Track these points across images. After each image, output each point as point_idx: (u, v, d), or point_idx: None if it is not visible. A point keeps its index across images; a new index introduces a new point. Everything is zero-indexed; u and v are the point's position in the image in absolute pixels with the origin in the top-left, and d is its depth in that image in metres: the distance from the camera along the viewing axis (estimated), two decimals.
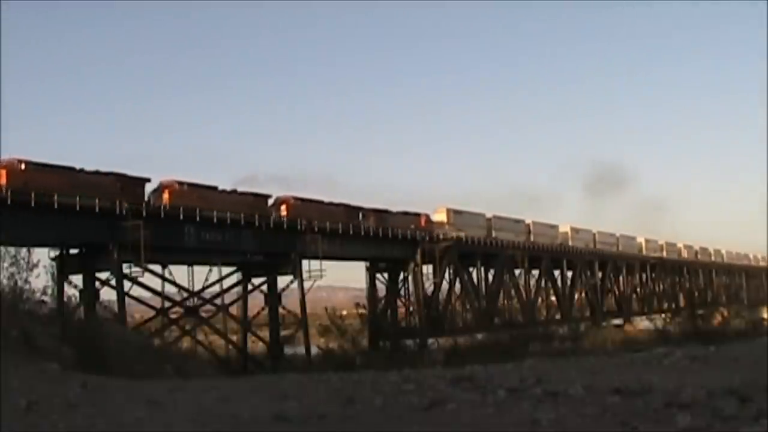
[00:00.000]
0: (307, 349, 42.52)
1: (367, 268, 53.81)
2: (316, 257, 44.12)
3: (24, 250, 19.75)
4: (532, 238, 65.36)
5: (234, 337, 43.72)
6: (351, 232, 47.17)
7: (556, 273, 69.19)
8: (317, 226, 44.26)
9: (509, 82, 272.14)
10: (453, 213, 57.50)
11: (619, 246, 79.51)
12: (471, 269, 58.50)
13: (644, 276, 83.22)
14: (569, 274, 70.15)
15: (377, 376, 10.00)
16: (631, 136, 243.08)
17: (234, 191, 42.82)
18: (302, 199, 45.89)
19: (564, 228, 71.49)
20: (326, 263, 45.44)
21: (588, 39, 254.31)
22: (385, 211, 51.96)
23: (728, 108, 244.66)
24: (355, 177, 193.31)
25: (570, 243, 70.03)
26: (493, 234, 60.50)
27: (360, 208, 49.96)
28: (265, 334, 44.69)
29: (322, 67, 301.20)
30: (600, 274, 73.65)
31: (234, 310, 44.39)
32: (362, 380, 9.62)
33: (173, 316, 41.16)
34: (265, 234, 41.98)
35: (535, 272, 65.98)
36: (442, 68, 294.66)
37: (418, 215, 54.80)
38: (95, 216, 34.75)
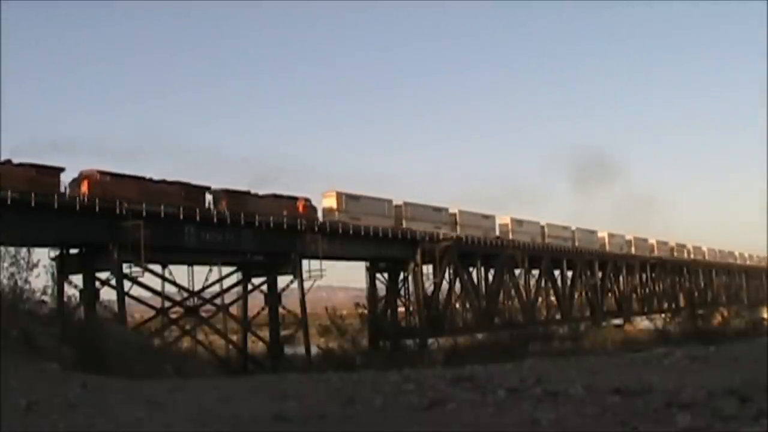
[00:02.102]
0: (307, 349, 42.52)
1: (367, 268, 53.77)
2: (316, 257, 44.09)
3: (24, 250, 19.77)
4: (459, 230, 56.87)
5: (234, 337, 43.70)
6: (351, 231, 47.14)
7: (556, 273, 69.17)
8: (132, 208, 36.02)
9: (503, 79, 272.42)
10: (346, 198, 48.54)
11: (576, 240, 71.44)
12: (471, 269, 58.45)
13: (644, 276, 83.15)
14: (569, 274, 70.11)
15: (377, 376, 10.01)
16: (629, 135, 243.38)
17: (8, 162, 33.83)
18: (114, 175, 36.85)
19: (503, 219, 63.23)
20: (326, 263, 45.47)
21: (583, 36, 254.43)
22: (246, 193, 42.74)
23: (727, 107, 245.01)
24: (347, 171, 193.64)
25: (510, 236, 61.84)
26: (404, 224, 51.97)
27: (206, 188, 40.99)
28: (265, 334, 44.68)
29: (303, 63, 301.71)
30: (600, 274, 73.62)
31: (234, 310, 44.38)
32: (362, 380, 9.62)
33: (173, 316, 41.15)
34: (265, 234, 41.98)
35: (535, 272, 65.95)
36: (432, 66, 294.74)
37: (294, 199, 45.26)
38: (95, 216, 34.74)
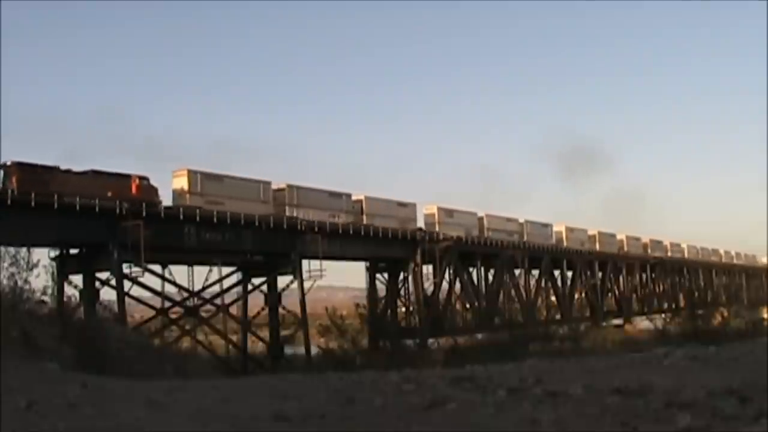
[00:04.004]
0: (307, 349, 42.55)
1: (367, 268, 53.79)
2: (316, 257, 44.11)
3: (24, 250, 19.80)
4: (365, 220, 48.98)
5: (234, 337, 43.75)
6: (351, 231, 47.13)
7: (556, 273, 69.18)
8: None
9: (489, 68, 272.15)
10: (202, 178, 40.36)
11: (525, 235, 64.24)
12: (471, 269, 58.48)
13: (644, 276, 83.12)
14: (569, 274, 70.11)
15: (377, 376, 10.00)
16: (623, 132, 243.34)
17: None
18: None
19: (429, 209, 55.66)
20: (326, 263, 45.46)
21: (580, 27, 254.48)
22: (51, 168, 34.38)
23: (727, 105, 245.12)
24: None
25: (437, 228, 54.29)
26: (287, 211, 44.11)
27: None
28: (265, 334, 44.71)
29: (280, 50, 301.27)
30: (600, 274, 73.64)
31: (234, 310, 44.42)
32: (362, 380, 9.61)
33: (173, 316, 41.18)
34: (265, 234, 42.00)
35: (535, 272, 65.95)
36: (412, 52, 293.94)
37: (126, 178, 37.23)
38: (95, 216, 34.74)
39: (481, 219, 60.16)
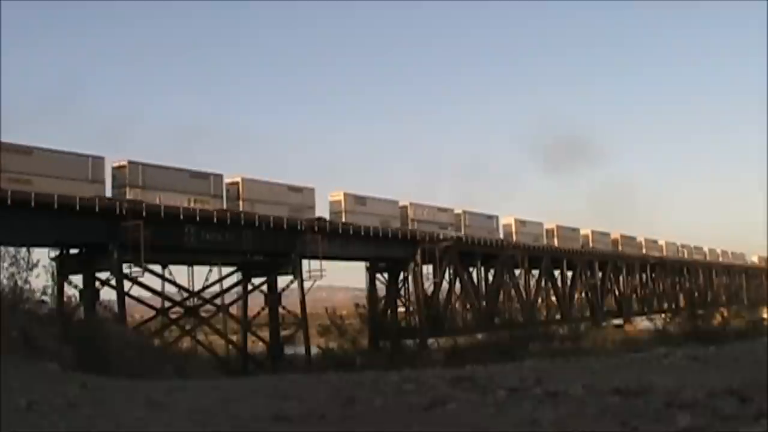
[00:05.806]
0: (307, 349, 42.56)
1: (367, 268, 53.77)
2: (316, 257, 44.09)
3: (24, 250, 19.81)
4: (242, 206, 41.26)
5: (234, 337, 43.76)
6: (351, 232, 47.11)
7: (556, 273, 69.18)
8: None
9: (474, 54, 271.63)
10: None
11: (463, 228, 57.10)
12: (471, 269, 58.47)
13: (644, 276, 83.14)
14: (569, 274, 70.11)
15: (377, 376, 10.00)
16: (628, 135, 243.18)
17: None
18: None
19: (335, 196, 48.32)
20: (326, 263, 45.43)
21: (578, 32, 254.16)
22: None
23: (727, 105, 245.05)
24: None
25: (344, 218, 47.26)
26: (128, 193, 36.36)
27: None
28: (265, 334, 44.70)
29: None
30: (600, 274, 73.64)
31: (234, 310, 44.43)
32: (362, 380, 9.61)
33: (173, 316, 41.18)
34: (265, 234, 42.00)
35: (535, 272, 65.94)
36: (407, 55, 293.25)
37: None
38: (95, 216, 34.72)
39: (404, 208, 52.68)
